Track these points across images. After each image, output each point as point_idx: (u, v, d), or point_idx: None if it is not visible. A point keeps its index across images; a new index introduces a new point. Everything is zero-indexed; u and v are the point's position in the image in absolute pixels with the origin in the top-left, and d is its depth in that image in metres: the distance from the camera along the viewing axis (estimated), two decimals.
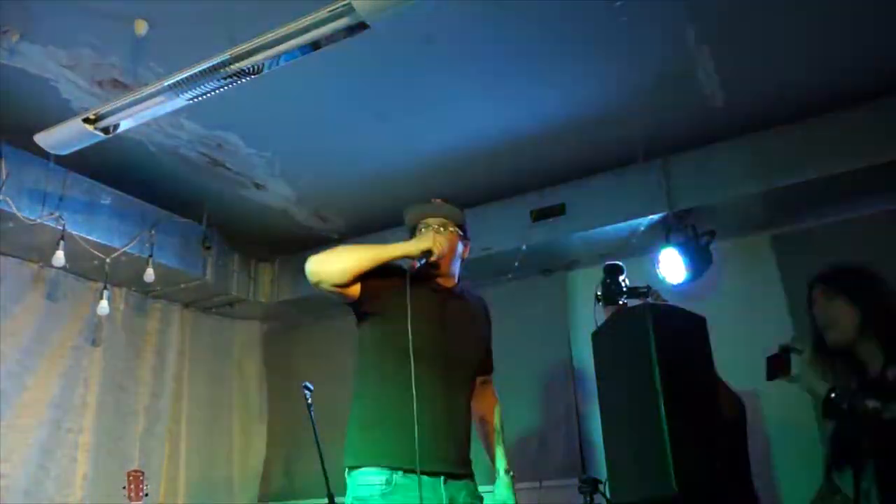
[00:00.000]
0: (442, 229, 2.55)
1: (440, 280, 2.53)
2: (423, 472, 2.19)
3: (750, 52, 3.34)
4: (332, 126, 3.84)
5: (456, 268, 2.60)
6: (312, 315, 5.33)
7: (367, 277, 2.35)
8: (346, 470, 2.32)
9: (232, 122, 3.80)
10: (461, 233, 2.61)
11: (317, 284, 2.34)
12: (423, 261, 2.39)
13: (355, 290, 2.36)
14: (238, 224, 4.93)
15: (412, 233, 2.61)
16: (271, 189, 4.51)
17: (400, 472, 2.21)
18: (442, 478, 2.28)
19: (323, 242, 5.18)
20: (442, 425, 2.29)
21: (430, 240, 2.41)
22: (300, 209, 4.80)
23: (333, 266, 2.33)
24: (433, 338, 2.37)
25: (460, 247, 2.60)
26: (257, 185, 4.46)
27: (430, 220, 2.58)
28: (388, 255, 2.37)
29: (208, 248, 4.77)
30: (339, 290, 2.34)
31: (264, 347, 5.66)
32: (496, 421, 2.71)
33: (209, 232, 4.76)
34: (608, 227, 4.23)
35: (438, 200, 2.62)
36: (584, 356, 4.08)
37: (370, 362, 2.42)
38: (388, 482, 2.20)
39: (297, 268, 5.17)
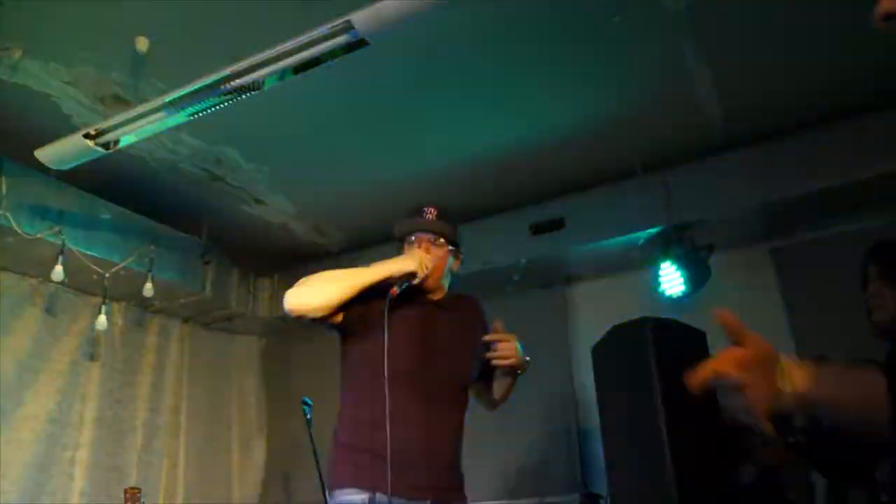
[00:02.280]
0: (431, 246, 2.42)
1: (430, 295, 2.45)
2: (403, 496, 2.16)
3: (747, 67, 3.38)
4: (332, 141, 3.87)
5: (445, 282, 2.49)
6: (312, 330, 5.32)
7: (349, 303, 2.29)
8: (328, 490, 2.30)
9: (232, 137, 3.82)
10: (452, 248, 2.48)
11: (298, 319, 2.30)
12: (406, 284, 2.28)
13: (338, 317, 2.35)
14: (237, 239, 4.95)
15: (399, 245, 2.50)
16: (271, 204, 4.53)
17: (380, 493, 2.16)
18: (428, 501, 2.25)
19: (322, 256, 5.19)
20: (420, 449, 2.23)
21: (414, 260, 2.31)
22: (300, 223, 4.81)
23: (313, 301, 2.27)
24: (413, 359, 2.31)
25: (451, 260, 2.48)
26: (257, 200, 4.48)
27: (419, 236, 2.44)
28: (369, 280, 2.27)
29: (207, 262, 4.78)
30: (321, 321, 2.32)
31: (263, 362, 5.65)
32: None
33: (209, 247, 4.78)
34: (608, 241, 4.25)
35: (431, 209, 2.46)
36: (585, 370, 4.09)
37: (349, 382, 2.40)
38: (371, 501, 2.19)
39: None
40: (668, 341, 3.25)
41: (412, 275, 2.29)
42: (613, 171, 4.18)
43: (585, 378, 4.12)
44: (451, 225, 2.49)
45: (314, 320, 2.29)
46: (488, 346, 2.50)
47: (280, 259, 5.22)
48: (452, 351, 2.42)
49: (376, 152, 3.98)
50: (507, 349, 2.38)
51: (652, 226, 4.10)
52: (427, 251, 2.40)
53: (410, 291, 2.32)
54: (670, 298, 4.09)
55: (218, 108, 2.90)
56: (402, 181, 4.21)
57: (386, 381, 2.16)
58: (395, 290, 2.26)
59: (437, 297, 2.47)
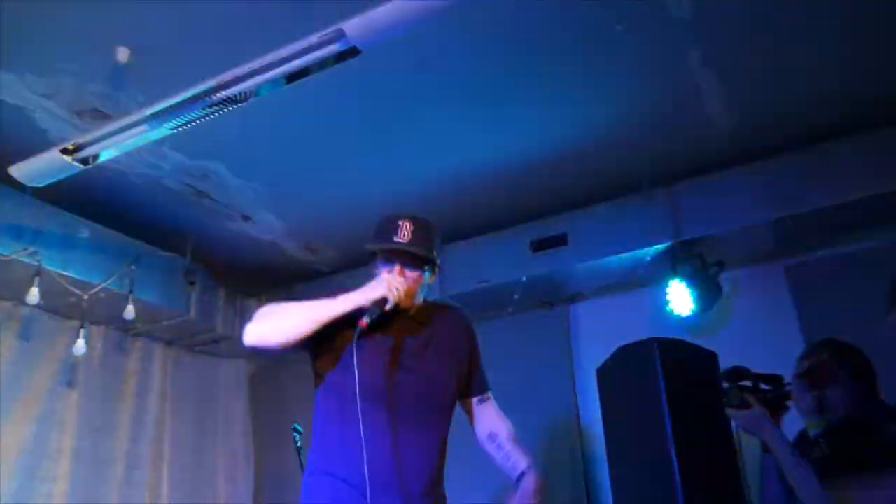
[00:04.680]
0: (403, 268, 2.37)
1: (403, 309, 2.41)
2: None
3: (757, 74, 3.37)
4: (322, 155, 3.86)
5: (419, 299, 2.45)
6: (303, 355, 5.30)
7: (315, 335, 2.28)
8: None
9: (217, 151, 3.81)
10: (428, 266, 2.42)
11: (257, 353, 2.33)
12: (377, 313, 2.24)
13: (302, 350, 2.36)
14: (224, 258, 4.93)
15: (370, 260, 2.48)
16: (259, 221, 4.51)
17: None
18: None
19: (314, 276, 5.18)
20: (393, 475, 2.23)
21: (384, 287, 2.28)
22: (289, 241, 4.80)
23: (271, 338, 2.29)
24: (384, 379, 2.30)
25: (426, 276, 2.43)
26: (244, 217, 4.47)
27: (391, 258, 2.39)
28: (332, 314, 2.26)
29: (192, 283, 4.76)
30: (284, 354, 2.33)
31: (251, 388, 5.61)
32: (506, 431, 2.52)
33: (193, 266, 4.75)
34: (612, 258, 4.23)
35: (406, 223, 2.38)
36: (589, 393, 4.07)
37: (320, 403, 2.41)
38: None
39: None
40: (676, 363, 3.23)
41: (383, 301, 2.26)
42: (618, 185, 4.17)
43: (590, 402, 4.10)
44: (429, 240, 2.42)
45: (276, 353, 2.31)
46: (473, 361, 2.51)
47: (269, 279, 5.20)
48: (434, 365, 2.41)
49: (369, 167, 3.97)
50: None
51: (659, 242, 4.09)
52: (400, 273, 2.36)
53: (381, 318, 2.29)
54: (679, 318, 4.08)
55: (203, 120, 2.89)
56: (397, 197, 4.19)
57: (360, 416, 2.14)
58: (365, 321, 2.22)
59: (410, 311, 2.44)
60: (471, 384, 2.54)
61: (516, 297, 4.56)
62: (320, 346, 2.35)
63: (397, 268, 2.37)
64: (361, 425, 2.13)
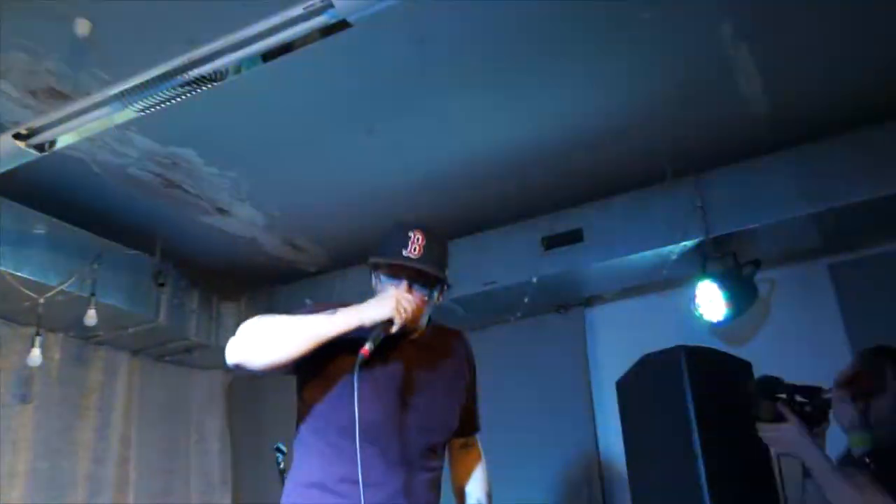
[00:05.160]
0: (412, 287, 2.34)
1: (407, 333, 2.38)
2: None
3: (797, 50, 3.36)
4: (309, 140, 3.86)
5: (425, 320, 2.43)
6: None
7: (307, 357, 2.22)
8: None
9: (190, 136, 3.80)
10: (438, 285, 2.40)
11: (241, 374, 2.28)
12: (381, 336, 2.19)
13: (291, 372, 2.31)
14: (198, 256, 4.93)
15: (374, 271, 2.44)
16: (237, 214, 4.51)
17: None
18: None
19: (298, 276, 5.17)
20: None
21: (390, 307, 2.21)
22: (271, 238, 4.80)
23: (257, 358, 2.22)
24: (383, 411, 2.26)
25: (435, 295, 2.40)
26: (220, 211, 4.46)
27: (399, 273, 2.35)
28: (332, 333, 2.19)
29: (162, 284, 4.75)
30: (271, 376, 2.29)
31: (228, 402, 5.62)
32: (478, 493, 2.56)
33: (163, 266, 4.75)
34: (633, 256, 4.24)
35: (418, 235, 2.32)
36: (608, 408, 4.07)
37: (305, 435, 2.37)
38: None
39: (268, 306, 5.17)
40: (707, 374, 3.21)
41: (388, 323, 2.21)
42: (640, 175, 4.18)
43: (609, 417, 4.09)
44: (442, 256, 2.39)
45: (262, 375, 2.27)
46: (471, 395, 2.50)
47: (249, 280, 5.20)
48: (435, 398, 2.38)
49: (361, 154, 3.97)
50: None
51: (686, 238, 4.08)
52: (408, 291, 2.32)
53: (384, 342, 2.24)
54: (709, 324, 4.08)
55: (173, 102, 2.88)
56: (393, 188, 4.20)
57: (358, 450, 2.10)
58: (368, 348, 2.16)
59: (415, 334, 2.42)
60: (462, 423, 2.51)
61: (526, 300, 4.55)
62: (309, 371, 2.31)
63: (405, 285, 2.33)
64: (360, 467, 2.09)
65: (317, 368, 2.29)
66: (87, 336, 4.71)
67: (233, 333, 5.25)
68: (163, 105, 2.90)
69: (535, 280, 4.42)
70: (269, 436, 4.16)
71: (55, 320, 4.38)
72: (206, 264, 5.01)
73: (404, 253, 2.30)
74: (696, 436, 3.08)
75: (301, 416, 2.38)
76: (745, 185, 4.02)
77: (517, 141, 3.90)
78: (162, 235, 4.66)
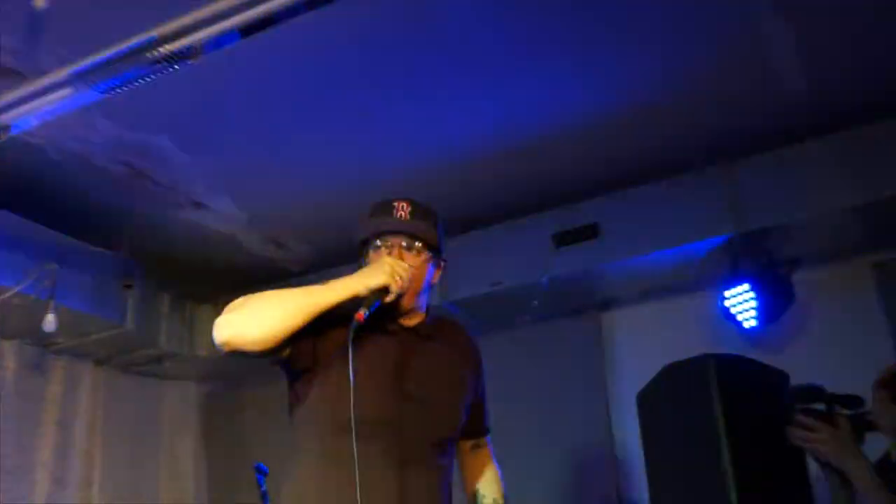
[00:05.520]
0: (405, 252, 2.40)
1: (403, 318, 2.44)
2: None
3: (841, 24, 3.36)
4: (295, 125, 3.87)
5: (423, 300, 2.49)
6: (267, 373, 5.30)
7: (299, 333, 2.26)
8: None
9: (162, 120, 3.81)
10: (433, 254, 2.46)
11: (232, 354, 2.29)
12: (377, 304, 2.24)
13: (285, 351, 2.34)
14: (170, 254, 4.94)
15: (361, 250, 2.49)
16: (213, 208, 4.53)
17: None
18: None
19: (282, 277, 5.18)
20: None
21: (385, 272, 2.27)
22: (252, 234, 4.81)
23: (249, 331, 2.24)
24: (383, 407, 2.29)
25: (431, 271, 2.46)
26: (195, 204, 4.47)
27: (389, 239, 2.42)
28: (326, 302, 2.24)
29: (129, 286, 4.77)
30: (261, 355, 2.30)
31: (203, 417, 5.64)
32: (494, 493, 2.63)
33: (131, 265, 4.77)
34: (655, 255, 4.26)
35: (402, 204, 2.43)
36: (627, 423, 4.07)
37: (302, 435, 2.40)
38: None
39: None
40: (739, 386, 3.21)
41: (383, 290, 2.25)
42: (665, 163, 4.19)
43: (628, 434, 4.11)
44: (431, 223, 2.47)
45: (254, 355, 2.28)
46: (480, 389, 2.53)
47: (225, 280, 5.19)
48: (439, 392, 2.41)
49: (351, 141, 3.98)
50: None
51: (716, 234, 4.10)
52: (400, 257, 2.37)
53: (379, 314, 2.28)
54: (741, 329, 4.10)
55: (142, 82, 2.88)
56: (388, 179, 4.18)
57: (354, 440, 2.14)
58: (362, 312, 2.20)
59: (412, 321, 2.46)
60: (471, 422, 2.55)
61: (536, 303, 4.57)
62: (299, 356, 2.33)
63: (397, 251, 2.38)
64: (357, 466, 2.12)
65: (306, 354, 2.31)
66: (45, 343, 4.73)
67: (208, 341, 5.30)
68: (131, 86, 2.91)
69: (545, 281, 4.44)
70: (249, 455, 4.19)
71: (10, 326, 4.40)
72: (178, 264, 5.03)
73: (390, 219, 2.42)
74: (725, 454, 3.08)
75: (292, 413, 2.42)
76: (783, 175, 4.03)
77: (525, 125, 3.91)
78: (130, 232, 4.68)
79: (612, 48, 3.49)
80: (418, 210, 2.44)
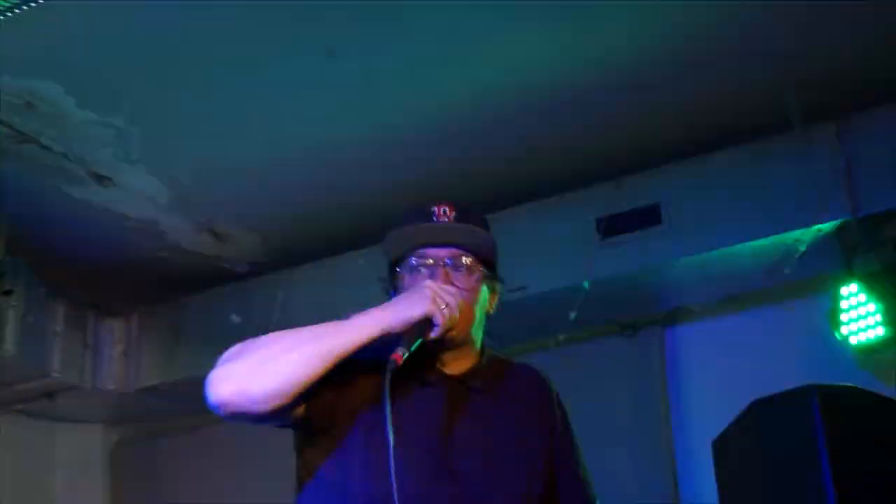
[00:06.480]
0: (452, 272, 2.37)
1: (446, 363, 2.39)
2: None
3: None
4: (236, 71, 3.86)
5: (478, 335, 2.45)
6: (199, 411, 5.31)
7: (317, 385, 2.22)
8: None
9: (54, 63, 3.79)
10: (487, 272, 2.43)
11: (231, 417, 2.28)
12: (419, 341, 2.20)
13: (299, 409, 2.33)
14: (64, 249, 4.95)
15: (392, 274, 2.45)
16: (125, 184, 4.51)
17: None
18: None
19: (221, 280, 5.17)
20: None
21: (426, 300, 2.21)
22: (179, 220, 4.81)
23: (254, 387, 2.18)
24: (424, 489, 2.24)
25: (484, 295, 2.43)
26: (100, 178, 4.46)
27: (429, 256, 2.40)
28: (351, 344, 2.19)
29: (7, 292, 4.76)
30: (270, 417, 2.29)
31: (113, 470, 5.68)
32: None
33: (9, 264, 4.75)
34: (737, 247, 4.26)
35: (445, 207, 2.40)
36: (699, 475, 4.14)
37: None
38: None
39: (173, 326, 5.18)
40: (853, 428, 3.23)
41: (426, 324, 2.20)
42: (750, 123, 4.19)
43: (699, 488, 4.16)
44: (482, 231, 2.43)
45: (261, 418, 2.27)
46: (565, 458, 2.50)
47: (145, 285, 5.21)
48: (506, 462, 2.37)
49: (320, 91, 3.97)
50: None
51: (821, 219, 4.10)
52: (446, 279, 2.34)
53: (416, 358, 2.23)
54: (854, 348, 4.10)
55: (26, 8, 2.88)
56: (363, 146, 4.19)
57: None
58: (401, 353, 2.15)
59: (460, 366, 2.41)
60: (563, 496, 2.51)
61: (573, 315, 4.59)
62: (318, 412, 2.28)
63: (441, 270, 2.35)
64: None
65: (326, 410, 2.29)
66: None
67: (119, 369, 5.34)
68: (9, 13, 2.90)
69: (586, 285, 4.44)
70: None
71: None
72: (77, 262, 5.03)
73: (429, 226, 2.38)
74: None
75: (301, 486, 2.38)
76: None
77: (560, 75, 3.92)
78: (8, 216, 4.65)
79: None
80: (465, 214, 2.40)
